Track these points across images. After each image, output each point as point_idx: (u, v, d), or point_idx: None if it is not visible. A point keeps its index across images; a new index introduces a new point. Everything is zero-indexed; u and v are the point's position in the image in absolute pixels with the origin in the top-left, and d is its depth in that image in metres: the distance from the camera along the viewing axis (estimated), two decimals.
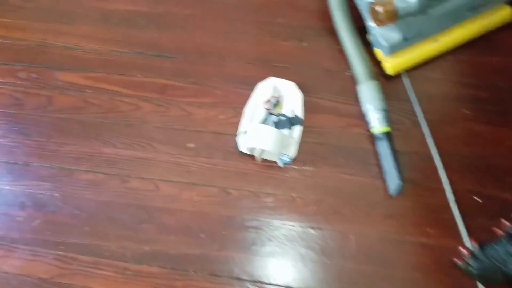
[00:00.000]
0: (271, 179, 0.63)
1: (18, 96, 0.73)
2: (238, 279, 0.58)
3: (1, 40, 0.77)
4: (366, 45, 0.66)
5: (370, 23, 0.64)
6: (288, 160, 0.62)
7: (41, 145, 0.69)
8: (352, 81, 0.67)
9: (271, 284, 0.58)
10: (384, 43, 0.63)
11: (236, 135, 0.65)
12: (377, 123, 0.61)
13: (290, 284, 0.58)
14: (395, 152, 0.60)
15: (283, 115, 0.64)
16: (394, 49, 0.64)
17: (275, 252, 0.59)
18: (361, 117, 0.65)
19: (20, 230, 0.65)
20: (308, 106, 0.66)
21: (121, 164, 0.66)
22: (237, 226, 0.61)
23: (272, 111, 0.64)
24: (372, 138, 0.63)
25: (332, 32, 0.70)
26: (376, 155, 0.62)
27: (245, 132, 0.62)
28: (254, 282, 0.58)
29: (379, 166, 0.61)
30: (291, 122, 0.64)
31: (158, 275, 0.60)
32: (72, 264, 0.63)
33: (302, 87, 0.67)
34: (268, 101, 0.64)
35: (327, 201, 0.61)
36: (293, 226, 0.61)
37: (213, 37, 0.74)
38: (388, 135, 0.62)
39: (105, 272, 0.62)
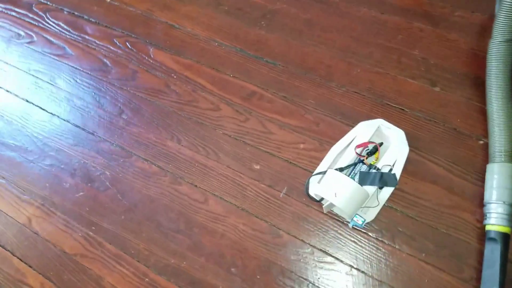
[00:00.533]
0: (333, 238, 0.74)
1: (107, 62, 1.06)
2: None
3: (110, 1, 1.15)
4: None
5: None
6: (361, 224, 0.73)
7: (111, 119, 0.99)
8: (484, 155, 0.74)
9: None
10: None
11: (310, 173, 0.82)
12: (496, 219, 0.66)
13: None
14: (506, 262, 0.66)
15: (376, 168, 0.76)
16: None
17: None
18: (478, 204, 0.71)
19: (63, 197, 0.95)
20: (412, 167, 0.75)
21: (179, 163, 0.87)
22: (274, 275, 0.75)
23: (365, 160, 0.77)
24: (482, 234, 0.69)
25: (478, 84, 0.78)
26: (479, 256, 0.68)
27: (322, 174, 0.76)
28: None
29: (477, 271, 0.67)
30: (383, 180, 0.74)
31: None
32: (97, 249, 0.89)
33: (413, 140, 0.76)
34: (365, 146, 0.78)
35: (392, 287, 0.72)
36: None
37: (326, 51, 0.89)
38: (505, 239, 0.66)
39: (124, 270, 0.85)
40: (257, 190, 0.81)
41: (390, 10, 0.88)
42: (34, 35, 1.09)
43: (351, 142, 0.79)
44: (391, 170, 0.75)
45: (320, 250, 0.75)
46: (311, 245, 0.76)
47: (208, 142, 0.88)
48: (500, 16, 0.73)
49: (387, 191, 0.75)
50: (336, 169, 0.75)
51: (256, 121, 0.87)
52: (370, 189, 0.75)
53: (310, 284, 0.75)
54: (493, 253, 0.67)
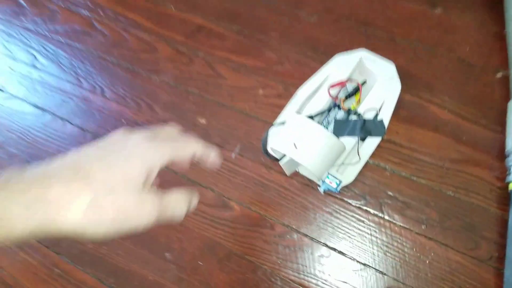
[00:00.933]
0: (301, 208, 0.56)
1: (21, 2, 0.84)
2: None
3: None
4: None
5: None
6: (335, 188, 0.53)
7: (22, 69, 0.74)
8: (504, 91, 0.56)
9: None
10: None
11: (271, 124, 0.57)
12: None
13: None
14: None
15: (357, 114, 0.56)
16: None
17: None
18: (496, 156, 0.52)
19: None
20: (406, 111, 0.56)
21: (104, 120, 0.67)
22: (220, 260, 0.57)
23: (342, 104, 0.56)
24: (504, 196, 0.50)
25: (493, 4, 0.61)
26: (500, 227, 0.49)
27: (283, 124, 0.54)
28: None
29: (499, 247, 0.48)
30: (366, 128, 0.54)
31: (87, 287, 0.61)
32: None
33: (408, 77, 0.57)
34: (342, 85, 0.57)
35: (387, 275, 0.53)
36: (289, 281, 0.55)
37: None
38: None
39: (28, 258, 0.65)
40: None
41: None
42: None
43: (323, 81, 0.58)
44: (376, 115, 0.55)
45: (283, 225, 0.55)
46: (270, 219, 0.56)
47: (141, 93, 0.68)
48: None
49: (372, 143, 0.55)
50: (309, 117, 0.54)
51: (202, 63, 0.67)
52: (349, 141, 0.54)
53: (269, 270, 0.54)
54: None
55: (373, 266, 0.52)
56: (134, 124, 0.66)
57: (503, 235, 0.49)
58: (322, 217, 0.55)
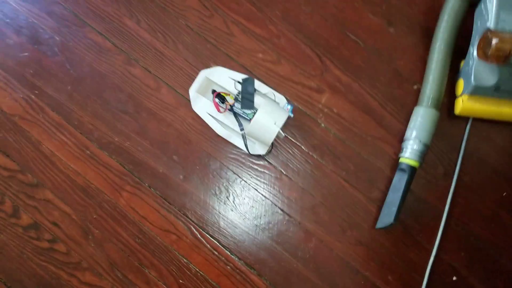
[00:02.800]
0: (274, 149, 0.82)
1: None
2: (185, 216, 0.76)
3: None
4: (452, 70, 0.76)
5: (473, 50, 0.78)
6: (291, 106, 0.76)
7: None
8: (415, 98, 0.80)
9: (212, 236, 0.77)
10: (472, 79, 0.77)
11: (265, 83, 0.83)
12: (409, 153, 0.74)
13: (230, 246, 0.76)
14: (408, 191, 0.77)
15: (238, 94, 0.76)
16: (478, 91, 0.78)
17: (233, 210, 0.78)
18: (399, 140, 0.77)
19: (5, 54, 0.84)
20: (353, 97, 0.78)
21: (136, 45, 0.80)
22: (212, 168, 0.78)
23: (230, 103, 0.75)
24: (395, 165, 0.76)
25: (428, 36, 0.82)
26: (387, 182, 0.76)
27: (245, 140, 0.74)
28: (199, 226, 0.78)
29: (383, 194, 0.75)
30: (248, 87, 0.76)
31: (113, 169, 0.80)
32: (38, 114, 0.83)
33: (359, 72, 0.78)
34: (217, 105, 0.75)
35: (312, 196, 0.76)
36: (265, 198, 0.77)
37: None
38: (412, 171, 0.76)
39: (65, 139, 0.82)
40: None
41: None
42: None
43: (214, 118, 0.78)
44: (239, 82, 0.77)
45: (257, 154, 0.78)
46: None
47: (169, 30, 0.82)
48: None
49: (256, 83, 0.78)
50: (241, 130, 0.75)
51: (220, 20, 0.82)
52: (260, 98, 0.78)
53: (243, 181, 0.79)
54: (400, 181, 0.75)
55: (308, 190, 0.79)
56: (161, 55, 0.82)
57: (387, 188, 0.77)
58: (283, 154, 0.80)
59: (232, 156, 0.79)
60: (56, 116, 0.80)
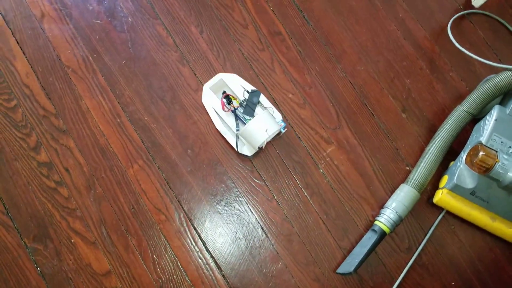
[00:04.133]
0: (272, 168, 0.87)
1: None
2: (179, 203, 0.81)
3: None
4: (442, 166, 0.85)
5: (463, 156, 0.87)
6: (284, 123, 0.82)
7: None
8: (404, 176, 0.88)
9: (195, 228, 0.81)
10: (454, 178, 0.86)
11: (286, 118, 0.88)
12: (384, 219, 0.81)
13: (208, 243, 0.80)
14: (373, 250, 0.82)
15: (244, 100, 0.84)
16: (457, 190, 0.86)
17: (220, 213, 0.82)
18: (379, 206, 0.84)
19: (82, 15, 0.86)
20: (353, 156, 0.86)
21: (192, 49, 0.89)
22: (217, 171, 0.83)
23: (234, 106, 0.83)
24: (369, 225, 0.83)
25: (431, 131, 0.90)
26: (358, 237, 0.82)
27: (237, 140, 0.81)
28: (187, 216, 0.82)
29: (352, 245, 0.82)
30: (253, 98, 0.84)
31: (133, 142, 0.83)
32: (89, 73, 0.85)
33: (364, 138, 0.87)
34: (222, 103, 0.83)
35: (292, 225, 0.81)
36: (251, 213, 0.82)
37: (349, 39, 0.92)
38: (382, 235, 0.82)
39: (103, 102, 0.83)
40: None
41: (411, 40, 0.95)
42: None
43: (217, 113, 0.85)
44: (248, 91, 0.85)
45: (259, 174, 0.85)
46: (255, 167, 0.86)
47: (224, 48, 0.91)
48: (474, 93, 0.85)
49: (263, 98, 0.87)
50: (237, 130, 0.84)
51: (268, 56, 0.92)
52: (261, 109, 0.86)
53: (238, 192, 0.85)
54: (369, 239, 0.82)
55: (289, 219, 0.85)
56: (210, 65, 0.90)
57: (357, 241, 0.83)
58: (282, 181, 0.87)
59: (238, 168, 0.85)
60: (103, 81, 0.87)
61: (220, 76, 0.87)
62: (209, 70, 0.89)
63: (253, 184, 0.85)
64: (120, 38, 0.89)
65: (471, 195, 0.83)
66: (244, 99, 0.85)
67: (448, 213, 0.86)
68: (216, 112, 0.85)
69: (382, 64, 0.93)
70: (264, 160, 0.86)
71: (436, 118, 0.91)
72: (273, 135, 0.82)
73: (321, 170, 0.86)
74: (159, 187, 0.83)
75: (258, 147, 0.82)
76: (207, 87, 0.86)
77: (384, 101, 0.91)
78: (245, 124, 0.83)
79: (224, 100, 0.83)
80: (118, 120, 0.85)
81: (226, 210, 0.83)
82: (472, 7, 0.97)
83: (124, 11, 0.91)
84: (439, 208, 0.86)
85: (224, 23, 0.92)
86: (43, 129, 0.84)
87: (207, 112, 0.87)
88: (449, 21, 0.94)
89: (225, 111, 0.84)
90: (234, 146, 0.83)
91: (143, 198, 0.82)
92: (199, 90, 0.88)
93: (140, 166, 0.83)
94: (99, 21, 0.90)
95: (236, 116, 0.85)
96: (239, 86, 0.86)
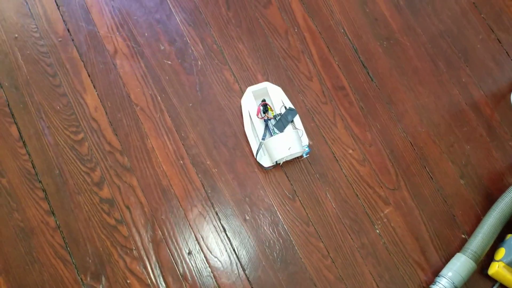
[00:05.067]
0: (326, 223, 0.84)
1: None
2: (234, 252, 0.79)
3: None
4: (499, 238, 0.81)
5: None
6: (308, 149, 0.82)
7: (228, 22, 0.91)
8: (459, 244, 0.84)
9: (250, 282, 0.78)
10: (509, 255, 0.82)
11: (345, 175, 0.84)
12: None
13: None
14: None
15: (279, 114, 0.83)
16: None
17: (274, 267, 0.78)
18: (433, 272, 0.80)
19: (153, 55, 0.86)
20: (410, 220, 0.83)
21: None
22: (272, 222, 0.81)
23: (268, 116, 0.82)
24: None
25: (489, 199, 0.85)
26: None
27: (260, 148, 0.80)
28: (243, 269, 0.78)
29: None
30: (288, 115, 0.83)
31: (194, 185, 0.81)
32: (156, 113, 0.83)
33: (424, 203, 0.84)
34: (258, 109, 0.82)
35: (346, 284, 0.82)
36: (307, 270, 0.80)
37: (411, 100, 0.89)
38: None
39: (168, 142, 0.81)
40: (298, 156, 0.85)
41: (472, 105, 0.92)
42: None
43: (250, 117, 0.84)
44: (286, 107, 0.85)
45: (315, 229, 0.81)
46: (311, 221, 0.82)
47: (288, 98, 0.89)
48: None
49: (297, 119, 0.85)
50: (263, 139, 0.83)
51: (331, 109, 0.89)
52: (291, 127, 0.85)
53: (293, 246, 0.81)
54: None
55: (345, 281, 0.81)
56: None
57: None
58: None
59: (294, 221, 0.82)
60: (169, 121, 0.85)
61: (266, 84, 0.86)
62: None
63: (308, 239, 0.81)
64: (189, 80, 0.88)
65: None
66: (280, 113, 0.83)
67: (502, 285, 0.82)
68: (250, 116, 0.84)
69: (443, 128, 0.90)
70: (321, 215, 0.83)
71: (494, 187, 0.87)
72: (295, 155, 0.80)
73: (377, 231, 0.83)
74: (215, 233, 0.80)
75: (276, 162, 0.80)
76: (250, 90, 0.85)
77: (443, 165, 0.88)
78: (272, 136, 0.81)
79: (261, 108, 0.82)
80: (181, 162, 0.83)
81: (280, 265, 0.80)
82: None
83: (194, 54, 0.89)
84: (492, 280, 0.82)
85: (289, 73, 0.90)
86: (108, 165, 0.81)
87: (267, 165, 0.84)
88: (511, 90, 0.91)
89: (258, 117, 0.83)
90: (254, 153, 0.82)
91: (200, 243, 0.79)
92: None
93: (199, 211, 0.81)
94: (169, 62, 0.88)
95: (267, 126, 0.83)
96: (279, 100, 0.85)
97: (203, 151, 0.84)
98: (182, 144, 0.84)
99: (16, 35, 0.87)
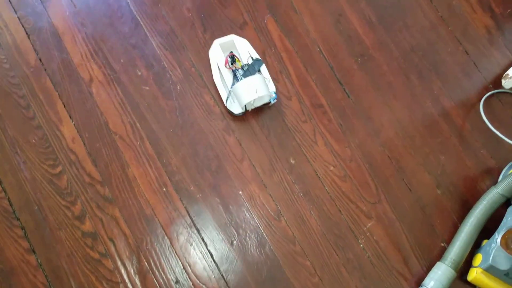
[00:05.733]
0: (312, 241, 0.83)
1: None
2: (223, 278, 0.76)
3: None
4: (475, 244, 0.81)
5: (498, 237, 0.84)
6: (275, 95, 0.82)
7: (204, 43, 0.86)
8: (439, 253, 0.83)
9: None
10: (490, 259, 0.82)
11: (327, 192, 0.83)
12: None
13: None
14: None
15: (246, 65, 0.83)
16: (491, 270, 0.82)
17: None
18: (416, 282, 0.80)
19: (130, 80, 0.83)
20: (392, 233, 0.82)
21: (237, 119, 0.85)
22: (260, 243, 0.78)
23: (236, 66, 0.82)
24: None
25: (465, 207, 0.85)
26: None
27: (229, 95, 0.81)
28: None
29: None
30: (255, 66, 0.83)
31: (179, 212, 0.78)
32: (136, 140, 0.80)
33: (402, 215, 0.83)
34: (226, 60, 0.82)
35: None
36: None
37: (387, 114, 0.88)
38: None
39: (149, 170, 0.79)
40: (281, 176, 0.84)
41: (444, 116, 0.92)
42: None
43: (219, 68, 0.84)
44: (252, 58, 0.85)
45: (301, 247, 0.80)
46: (297, 240, 0.81)
47: (268, 119, 0.87)
48: (509, 178, 0.82)
49: (264, 69, 0.86)
50: (231, 87, 0.83)
51: (311, 128, 0.88)
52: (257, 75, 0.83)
53: (281, 265, 0.79)
54: None
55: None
56: (254, 135, 0.86)
57: None
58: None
59: (281, 241, 0.80)
60: (150, 149, 0.82)
61: (232, 37, 0.86)
62: (253, 139, 0.85)
63: (295, 258, 0.80)
64: (168, 105, 0.84)
65: (505, 276, 0.80)
66: (247, 64, 0.84)
67: None
68: (218, 68, 0.84)
69: (418, 140, 0.90)
70: (306, 233, 0.81)
71: (469, 194, 0.88)
72: (262, 100, 0.82)
73: (361, 245, 0.82)
74: (203, 260, 0.77)
75: (245, 106, 0.81)
76: (217, 43, 0.85)
77: (419, 176, 0.88)
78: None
79: (229, 59, 0.83)
80: (164, 189, 0.80)
81: (269, 286, 0.78)
82: (502, 87, 0.95)
83: (173, 79, 0.86)
84: (472, 286, 0.83)
85: None
86: (88, 197, 0.77)
87: (251, 183, 0.82)
88: (479, 99, 0.92)
89: (226, 68, 0.83)
90: (224, 101, 0.83)
91: (187, 271, 0.76)
92: (243, 160, 0.84)
93: (185, 238, 0.78)
94: (147, 88, 0.85)
95: (235, 76, 0.83)
96: (246, 52, 0.85)
97: (186, 177, 0.81)
98: (165, 171, 0.81)
99: None
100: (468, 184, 0.89)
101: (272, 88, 0.84)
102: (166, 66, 0.86)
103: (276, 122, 0.86)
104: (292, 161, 0.84)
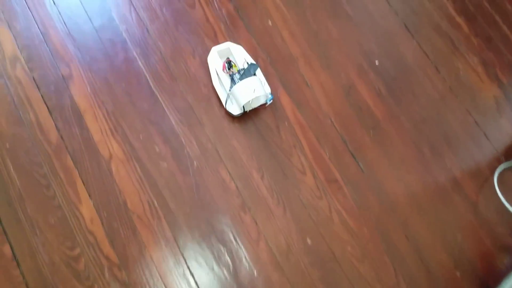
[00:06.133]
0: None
1: None
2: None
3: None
4: None
5: None
6: (271, 96, 0.86)
7: (221, 122, 0.88)
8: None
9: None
10: None
11: (347, 276, 0.80)
12: None
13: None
14: None
15: (242, 69, 0.87)
16: None
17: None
18: None
19: (148, 157, 0.83)
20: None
21: (254, 195, 0.83)
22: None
23: (233, 71, 0.86)
24: None
25: (482, 286, 0.84)
26: None
27: (228, 97, 0.84)
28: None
29: None
30: (251, 70, 0.87)
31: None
32: (154, 220, 0.78)
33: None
34: (224, 66, 0.86)
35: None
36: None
37: (400, 190, 0.88)
38: None
39: (167, 253, 0.77)
40: (298, 257, 0.81)
41: (459, 191, 0.90)
42: None
43: (217, 74, 0.88)
44: (248, 63, 0.88)
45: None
46: None
47: (284, 195, 0.86)
48: None
49: (259, 72, 0.89)
50: (230, 90, 0.85)
51: (326, 204, 0.86)
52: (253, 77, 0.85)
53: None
54: None
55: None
56: (270, 213, 0.84)
57: None
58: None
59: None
60: (167, 229, 0.80)
61: (228, 44, 0.90)
62: (270, 218, 0.83)
63: None
64: (186, 182, 0.83)
65: None
66: (243, 68, 0.87)
67: None
68: (217, 73, 0.87)
69: (433, 216, 0.88)
70: None
71: (488, 275, 0.85)
72: (259, 101, 0.86)
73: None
74: None
75: (244, 107, 0.84)
76: (215, 50, 0.89)
77: (437, 256, 0.85)
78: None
79: (226, 64, 0.87)
80: (181, 270, 0.78)
81: None
82: None
83: (190, 155, 0.85)
84: None
85: (283, 168, 0.87)
86: (105, 282, 0.75)
87: (266, 264, 0.80)
88: (492, 172, 0.91)
89: (224, 73, 0.87)
90: (224, 104, 0.85)
91: None
92: (259, 240, 0.82)
93: None
94: (165, 164, 0.84)
95: (232, 80, 0.86)
96: (242, 58, 0.89)
97: (203, 262, 0.79)
98: (181, 254, 0.79)
99: (8, 145, 0.82)
100: (486, 264, 0.86)
101: (268, 89, 0.88)
102: (183, 141, 0.86)
103: (291, 199, 0.85)
104: (309, 241, 0.83)
